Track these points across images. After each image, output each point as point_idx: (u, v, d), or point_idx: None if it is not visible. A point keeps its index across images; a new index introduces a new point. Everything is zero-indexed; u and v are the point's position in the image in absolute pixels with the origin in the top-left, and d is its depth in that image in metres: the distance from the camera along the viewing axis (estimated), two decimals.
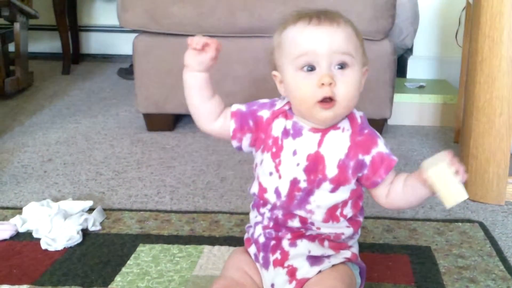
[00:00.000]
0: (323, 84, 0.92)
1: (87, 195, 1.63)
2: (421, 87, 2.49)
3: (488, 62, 1.53)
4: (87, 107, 2.66)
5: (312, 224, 0.99)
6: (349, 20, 0.98)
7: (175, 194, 1.64)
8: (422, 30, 2.72)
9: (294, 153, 0.98)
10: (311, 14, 0.95)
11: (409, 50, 2.87)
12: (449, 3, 2.78)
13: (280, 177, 0.99)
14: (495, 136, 1.55)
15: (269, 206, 1.01)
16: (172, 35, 2.14)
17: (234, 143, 1.03)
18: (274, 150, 1.00)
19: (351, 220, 1.02)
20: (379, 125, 2.18)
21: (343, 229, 1.01)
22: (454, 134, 2.14)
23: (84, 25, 3.82)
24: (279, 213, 1.00)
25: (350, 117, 0.99)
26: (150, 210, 1.52)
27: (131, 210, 1.52)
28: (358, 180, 1.00)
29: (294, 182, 0.98)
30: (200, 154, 1.99)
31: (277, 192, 0.99)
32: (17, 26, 2.82)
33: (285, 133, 0.99)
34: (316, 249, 1.01)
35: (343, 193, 0.99)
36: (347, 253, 1.03)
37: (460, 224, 1.44)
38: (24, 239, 1.36)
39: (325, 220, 0.99)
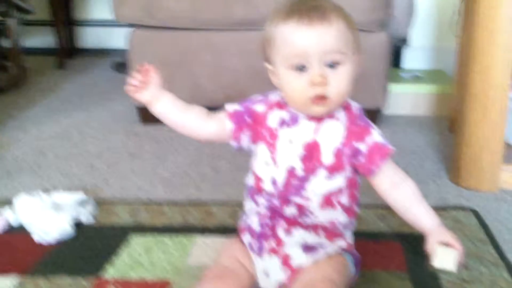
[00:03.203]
0: (315, 83, 0.92)
1: (79, 187, 1.63)
2: (417, 77, 2.48)
3: (484, 52, 1.52)
4: (81, 101, 2.65)
5: (309, 211, 0.99)
6: (340, 10, 0.96)
7: (169, 186, 1.64)
8: (418, 20, 2.71)
9: (290, 142, 0.98)
10: (301, 11, 0.94)
11: (405, 40, 2.85)
12: None
13: (276, 166, 0.99)
14: (490, 124, 1.55)
15: (265, 194, 1.01)
16: (168, 28, 2.14)
17: (233, 143, 1.04)
18: (269, 140, 1.00)
19: (347, 209, 1.02)
20: (374, 115, 2.17)
21: (339, 216, 1.01)
22: (449, 123, 2.14)
23: (79, 19, 3.81)
24: (275, 201, 1.00)
25: (346, 108, 1.00)
26: (143, 202, 1.52)
27: (123, 202, 1.51)
28: (355, 168, 1.00)
29: (291, 170, 0.98)
30: (194, 146, 1.98)
31: (273, 181, 1.00)
32: (11, 21, 2.81)
33: (282, 123, 1.00)
34: (311, 238, 1.01)
35: (339, 180, 0.99)
36: (342, 243, 1.04)
37: (453, 211, 1.43)
38: (16, 231, 1.35)
39: (322, 206, 0.99)
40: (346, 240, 1.05)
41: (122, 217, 1.42)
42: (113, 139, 2.08)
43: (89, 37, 3.85)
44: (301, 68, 0.94)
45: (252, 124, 1.02)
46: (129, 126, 2.23)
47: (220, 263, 1.04)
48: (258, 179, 1.02)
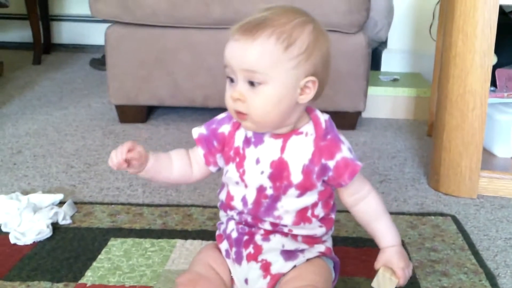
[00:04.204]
0: (233, 98, 0.92)
1: (57, 188, 1.61)
2: (395, 80, 2.50)
3: (462, 56, 1.53)
4: (58, 98, 2.62)
5: (284, 226, 0.98)
6: (286, 30, 0.91)
7: (147, 187, 1.62)
8: (396, 23, 2.73)
9: (257, 161, 0.97)
10: (246, 22, 0.92)
11: (384, 43, 2.87)
12: None
13: (246, 186, 0.98)
14: (468, 130, 1.56)
15: (236, 211, 1.00)
16: (145, 25, 2.12)
17: (212, 168, 1.04)
18: (237, 160, 0.99)
19: (323, 220, 1.01)
20: (353, 118, 2.18)
21: (316, 229, 1.00)
22: (427, 127, 2.15)
23: (56, 14, 3.77)
24: (248, 218, 0.99)
25: (314, 121, 0.98)
26: (122, 204, 1.50)
27: (102, 204, 1.50)
28: (325, 182, 0.98)
29: (261, 190, 0.97)
30: (173, 146, 1.97)
31: (243, 200, 0.99)
32: None
33: (246, 141, 0.98)
34: (289, 244, 1.00)
35: (311, 196, 0.98)
36: (321, 247, 1.02)
37: (432, 217, 1.44)
38: None
39: (296, 223, 0.98)
40: (325, 244, 1.03)
41: (100, 219, 1.41)
42: (91, 138, 2.06)
43: (67, 33, 3.81)
44: (231, 80, 0.93)
45: (220, 148, 1.01)
46: (107, 125, 2.21)
47: (192, 270, 1.02)
48: (229, 196, 1.01)
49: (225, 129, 1.01)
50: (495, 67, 1.88)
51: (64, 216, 1.38)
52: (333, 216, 1.03)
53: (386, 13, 2.58)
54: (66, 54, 3.66)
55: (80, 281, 1.14)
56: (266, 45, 0.89)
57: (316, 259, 1.01)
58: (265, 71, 0.90)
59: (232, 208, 1.01)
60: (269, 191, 0.97)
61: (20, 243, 1.28)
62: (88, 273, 1.17)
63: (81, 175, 1.71)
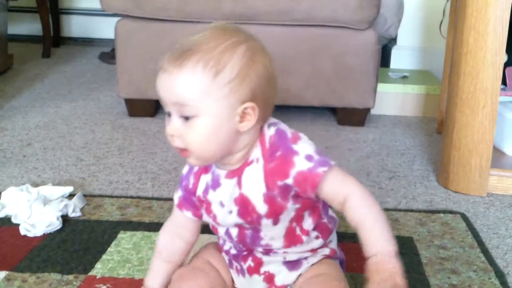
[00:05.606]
0: (168, 135, 0.87)
1: (67, 180, 1.61)
2: (404, 77, 2.49)
3: (473, 54, 1.52)
4: (68, 91, 2.63)
5: (278, 249, 0.95)
6: (214, 53, 0.84)
7: (157, 181, 1.63)
8: (406, 20, 2.72)
9: (222, 204, 0.92)
10: (173, 50, 0.86)
11: (393, 40, 2.86)
12: None
13: (223, 227, 0.96)
14: (478, 128, 1.55)
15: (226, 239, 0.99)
16: (155, 20, 2.12)
17: (209, 220, 0.98)
18: (204, 206, 0.95)
19: (317, 228, 0.96)
20: (362, 114, 2.18)
21: (313, 243, 0.96)
22: (437, 124, 2.15)
23: (65, 7, 3.77)
24: (239, 246, 0.97)
25: (261, 142, 0.90)
26: (131, 197, 1.51)
27: (112, 197, 1.50)
28: (298, 196, 0.90)
29: (238, 226, 0.94)
30: None
31: (228, 234, 0.96)
32: None
33: (206, 188, 0.94)
34: (291, 255, 0.96)
35: (288, 216, 0.92)
36: (325, 251, 0.99)
37: (442, 215, 1.44)
38: (3, 224, 1.34)
39: (287, 246, 0.94)
40: (329, 246, 1.00)
41: (110, 212, 1.41)
42: (100, 131, 2.06)
43: (76, 26, 3.82)
44: (168, 114, 0.87)
45: (197, 200, 0.97)
46: (116, 118, 2.21)
47: (188, 265, 1.01)
48: (214, 228, 0.98)
49: (191, 181, 0.97)
50: (505, 66, 1.87)
51: (74, 209, 1.39)
52: (325, 220, 0.98)
53: (396, 9, 2.58)
54: (76, 48, 3.66)
55: (90, 273, 1.15)
56: (192, 74, 0.83)
57: (324, 260, 0.98)
58: (194, 103, 0.83)
59: (220, 236, 0.99)
60: (246, 225, 0.93)
61: (30, 234, 1.29)
62: (98, 265, 1.18)
63: (91, 168, 1.71)
